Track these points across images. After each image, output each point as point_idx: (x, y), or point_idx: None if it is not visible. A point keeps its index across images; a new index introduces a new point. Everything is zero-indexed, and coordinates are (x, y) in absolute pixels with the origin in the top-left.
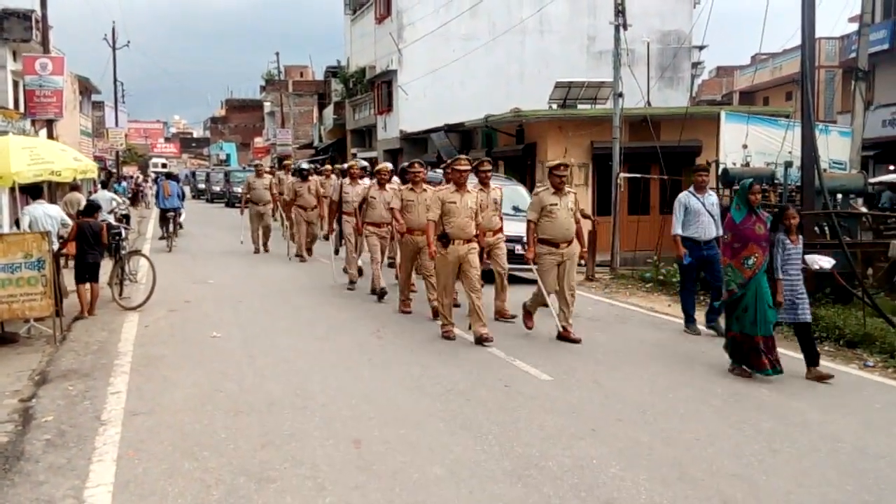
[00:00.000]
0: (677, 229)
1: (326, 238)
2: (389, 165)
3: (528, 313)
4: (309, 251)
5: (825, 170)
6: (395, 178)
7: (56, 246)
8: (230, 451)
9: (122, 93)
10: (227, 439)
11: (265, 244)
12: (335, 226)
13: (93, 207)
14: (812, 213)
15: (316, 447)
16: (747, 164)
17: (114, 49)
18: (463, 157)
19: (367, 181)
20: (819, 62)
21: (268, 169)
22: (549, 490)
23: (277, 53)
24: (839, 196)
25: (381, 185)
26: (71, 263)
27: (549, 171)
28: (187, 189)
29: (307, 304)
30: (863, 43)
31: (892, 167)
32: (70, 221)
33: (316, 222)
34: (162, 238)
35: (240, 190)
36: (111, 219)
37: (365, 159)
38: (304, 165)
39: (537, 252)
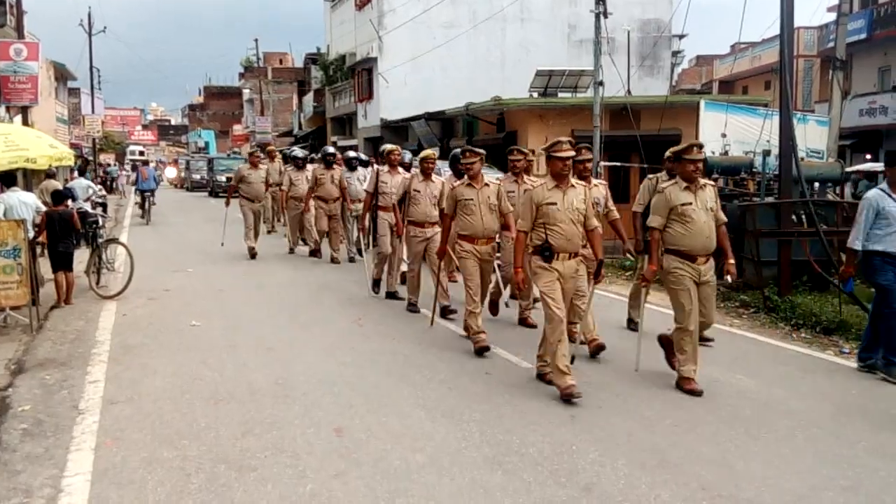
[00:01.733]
0: (857, 241)
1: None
2: (435, 152)
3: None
4: (358, 253)
5: (803, 158)
6: (444, 170)
7: (32, 234)
8: (210, 439)
9: (98, 79)
10: (207, 428)
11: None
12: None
13: (62, 195)
14: (789, 201)
15: (297, 435)
16: (726, 153)
17: (90, 35)
18: (564, 139)
19: (364, 170)
20: (798, 52)
21: (263, 156)
22: (530, 476)
23: (256, 40)
24: (816, 184)
25: (427, 175)
26: (47, 252)
27: (676, 157)
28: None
29: (288, 293)
30: (841, 32)
31: (868, 156)
32: (44, 208)
33: (337, 215)
34: (140, 215)
35: (223, 179)
36: (87, 206)
37: (346, 148)
38: (298, 153)
39: (667, 267)
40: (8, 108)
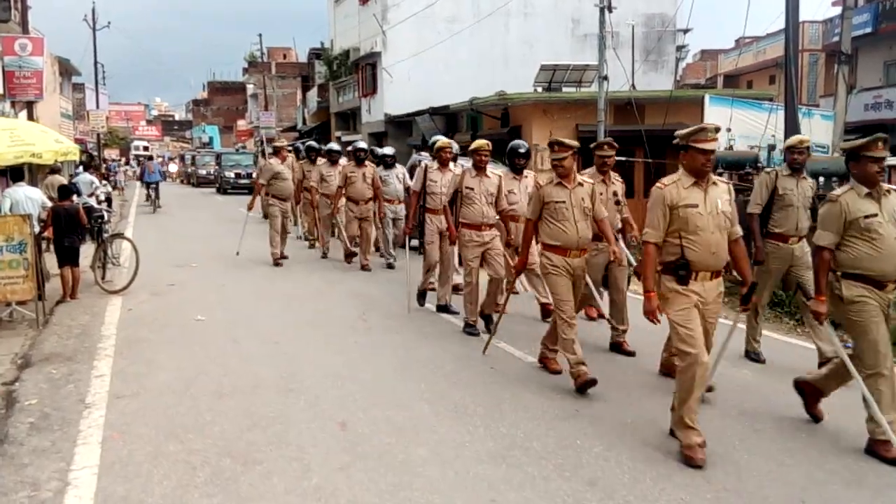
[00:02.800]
0: None
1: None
2: (489, 143)
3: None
4: (388, 258)
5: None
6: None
7: (37, 229)
8: (215, 433)
9: (102, 74)
10: (212, 421)
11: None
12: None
13: (67, 191)
14: None
15: (302, 429)
16: (731, 148)
17: (94, 30)
18: (711, 125)
19: (401, 168)
20: (802, 46)
21: (288, 147)
22: (534, 470)
23: (260, 35)
24: (821, 179)
25: (480, 170)
26: (52, 247)
27: (852, 154)
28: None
29: (292, 287)
30: (846, 26)
31: None
32: (49, 204)
33: (370, 218)
34: (148, 203)
35: (232, 175)
36: (93, 201)
37: (349, 143)
38: (334, 146)
39: (849, 296)
40: (13, 104)
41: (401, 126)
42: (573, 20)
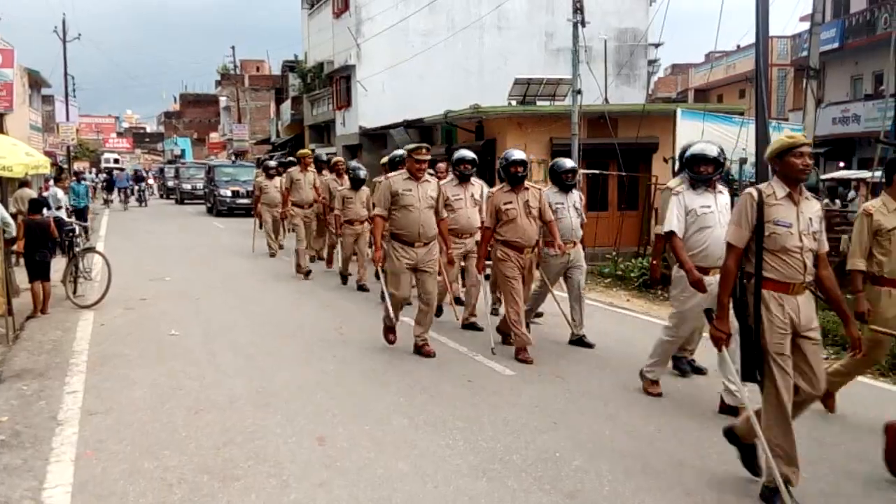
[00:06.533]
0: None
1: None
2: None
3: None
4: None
5: None
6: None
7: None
8: (192, 449)
9: (73, 87)
10: (189, 437)
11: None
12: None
13: (38, 204)
14: None
15: (280, 444)
16: None
17: (64, 42)
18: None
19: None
20: (771, 60)
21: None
22: (514, 484)
23: (233, 47)
24: None
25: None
26: (22, 261)
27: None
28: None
29: (267, 301)
30: (814, 42)
31: (841, 164)
32: (11, 220)
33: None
34: (120, 205)
35: (229, 193)
36: (63, 214)
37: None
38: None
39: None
40: None
41: (375, 139)
42: (547, 34)
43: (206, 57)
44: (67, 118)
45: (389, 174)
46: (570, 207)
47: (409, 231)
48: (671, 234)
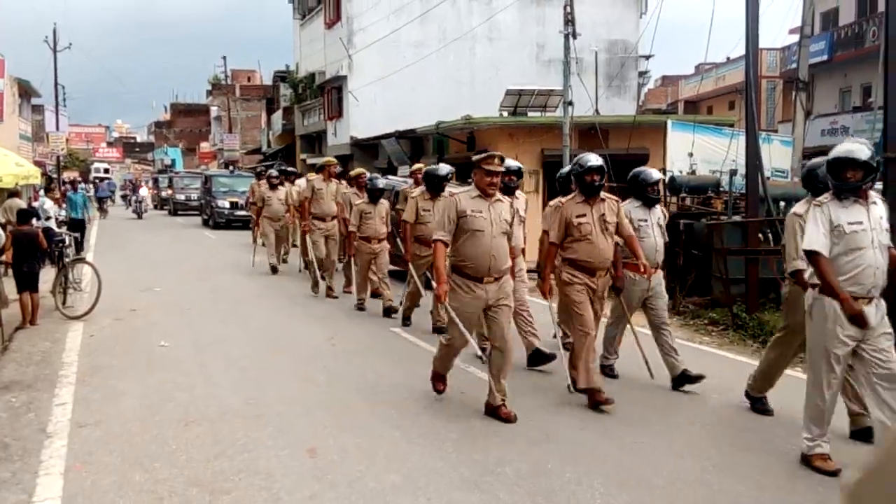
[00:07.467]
0: None
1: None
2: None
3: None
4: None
5: (768, 178)
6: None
7: None
8: (182, 461)
9: (63, 96)
10: (179, 450)
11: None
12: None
13: (28, 214)
14: (756, 220)
15: (271, 456)
16: (693, 172)
17: (55, 51)
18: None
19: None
20: (761, 73)
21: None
22: (506, 496)
23: (224, 57)
24: (782, 203)
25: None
26: (10, 272)
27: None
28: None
29: (258, 312)
30: (803, 54)
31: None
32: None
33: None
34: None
35: (227, 204)
36: (52, 225)
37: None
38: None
39: None
40: None
41: (367, 149)
42: (538, 45)
43: (198, 67)
44: (57, 128)
45: (454, 191)
46: (654, 225)
47: (478, 263)
48: (815, 253)
